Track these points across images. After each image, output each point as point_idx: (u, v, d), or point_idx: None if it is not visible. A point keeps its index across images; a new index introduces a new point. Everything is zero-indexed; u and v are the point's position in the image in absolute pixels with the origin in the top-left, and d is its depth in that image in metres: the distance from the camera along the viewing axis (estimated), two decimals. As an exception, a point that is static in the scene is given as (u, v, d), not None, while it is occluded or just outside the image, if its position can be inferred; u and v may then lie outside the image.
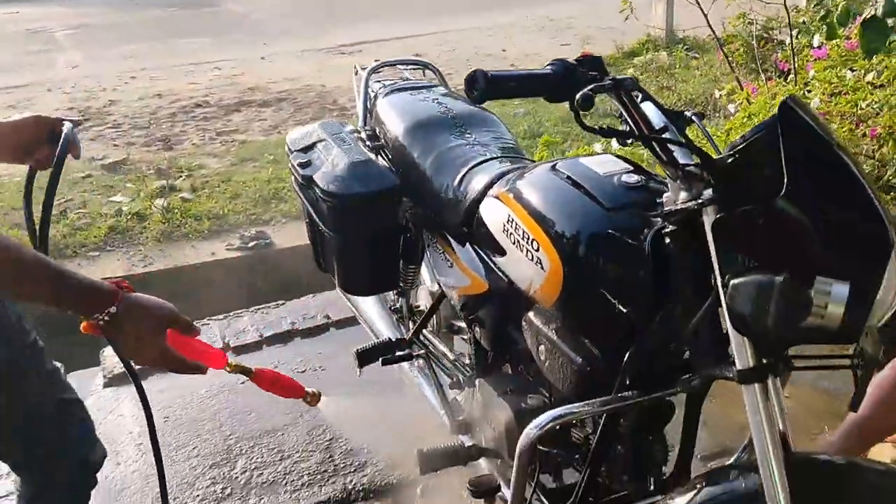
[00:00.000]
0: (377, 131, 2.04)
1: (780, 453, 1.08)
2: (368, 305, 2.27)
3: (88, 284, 1.12)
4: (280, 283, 3.57)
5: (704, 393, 1.32)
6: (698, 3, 4.04)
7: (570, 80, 1.07)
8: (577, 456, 1.50)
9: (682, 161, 1.12)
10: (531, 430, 1.29)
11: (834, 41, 3.63)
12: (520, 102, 6.25)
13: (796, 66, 3.68)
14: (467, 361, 1.86)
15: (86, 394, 2.60)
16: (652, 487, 1.48)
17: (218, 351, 1.29)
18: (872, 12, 2.89)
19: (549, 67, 1.09)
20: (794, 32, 3.98)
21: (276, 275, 3.69)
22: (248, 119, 6.66)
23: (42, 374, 1.50)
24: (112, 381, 2.72)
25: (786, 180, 0.99)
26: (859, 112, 3.30)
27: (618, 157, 1.41)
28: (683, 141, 1.10)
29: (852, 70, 3.52)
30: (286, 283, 3.52)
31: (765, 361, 1.06)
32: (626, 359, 1.28)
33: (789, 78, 3.80)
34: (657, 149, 1.10)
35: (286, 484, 2.15)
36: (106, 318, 1.09)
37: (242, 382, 2.25)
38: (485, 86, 1.05)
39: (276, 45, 9.59)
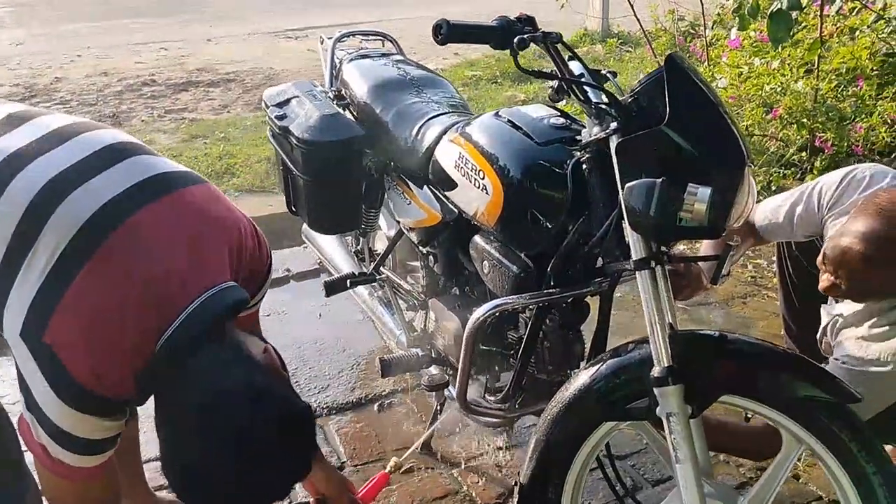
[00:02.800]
0: (343, 92, 2.32)
1: (667, 328, 1.42)
2: (332, 248, 2.56)
3: None
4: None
5: (612, 292, 1.66)
6: (629, 2, 4.41)
7: (511, 32, 1.39)
8: (511, 352, 1.82)
9: (593, 100, 1.45)
10: (475, 317, 1.61)
11: (746, 33, 4.05)
12: (463, 88, 6.59)
13: (711, 55, 4.08)
14: (421, 289, 2.17)
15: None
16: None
17: None
18: (778, 6, 3.27)
19: (495, 21, 1.41)
20: (712, 24, 4.40)
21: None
22: (197, 98, 6.77)
23: None
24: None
25: (668, 112, 1.33)
26: (763, 95, 3.71)
27: (548, 105, 1.74)
28: (596, 84, 1.43)
29: (761, 59, 3.94)
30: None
31: (653, 252, 1.40)
32: (551, 264, 1.62)
33: (705, 65, 4.21)
34: (576, 90, 1.43)
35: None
36: None
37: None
38: (447, 31, 1.36)
39: (222, 28, 9.70)
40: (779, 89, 3.65)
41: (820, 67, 3.84)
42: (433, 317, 2.04)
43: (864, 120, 3.68)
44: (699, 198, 1.28)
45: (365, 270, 2.33)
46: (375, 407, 2.41)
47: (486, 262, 1.76)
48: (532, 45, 1.38)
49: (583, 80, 1.44)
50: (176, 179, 1.33)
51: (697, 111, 1.36)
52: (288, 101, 2.18)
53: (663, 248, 1.43)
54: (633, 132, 1.37)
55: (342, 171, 2.11)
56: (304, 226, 2.53)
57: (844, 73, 3.92)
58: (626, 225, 1.41)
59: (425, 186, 2.00)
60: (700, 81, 1.39)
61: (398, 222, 2.18)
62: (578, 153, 1.55)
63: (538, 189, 1.61)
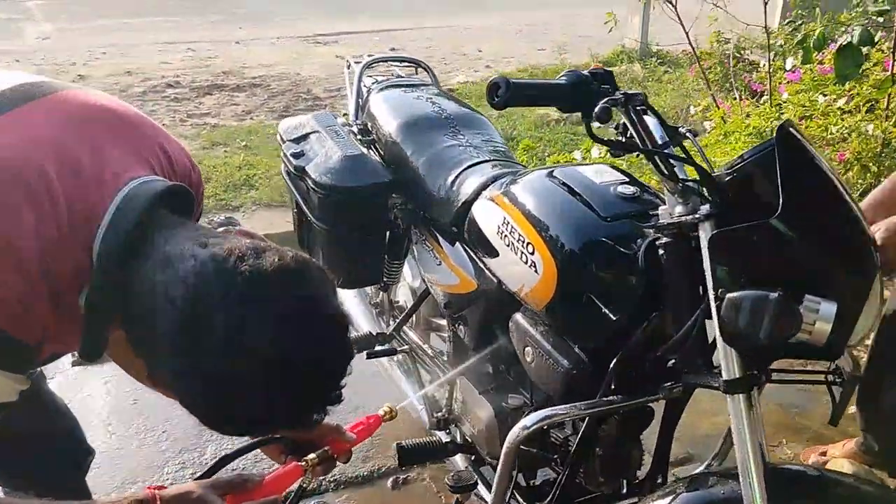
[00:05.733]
0: (369, 126, 2.05)
1: (761, 462, 1.13)
2: (349, 299, 2.28)
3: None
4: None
5: (685, 400, 1.37)
6: (679, 21, 4.12)
7: (583, 92, 1.11)
8: (555, 456, 1.53)
9: (679, 175, 1.16)
10: (518, 429, 1.32)
11: (807, 65, 3.73)
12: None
13: (770, 87, 3.77)
14: (447, 359, 1.89)
15: (53, 372, 2.57)
16: (625, 490, 1.53)
17: (288, 469, 1.25)
18: (848, 39, 2.96)
19: (563, 78, 1.12)
20: (775, 56, 4.08)
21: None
22: (221, 103, 6.56)
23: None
24: (79, 361, 2.69)
25: (782, 201, 1.04)
26: (828, 136, 3.39)
27: (612, 167, 1.45)
28: (685, 157, 1.14)
29: (824, 95, 3.62)
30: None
31: (750, 373, 1.11)
32: (612, 364, 1.32)
33: (763, 99, 3.89)
34: (659, 163, 1.14)
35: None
36: None
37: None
38: (507, 92, 1.08)
39: (251, 30, 9.51)
40: (846, 132, 3.33)
41: (889, 107, 3.51)
42: (460, 397, 1.75)
43: (939, 166, 3.34)
44: (822, 315, 0.99)
45: (383, 330, 2.05)
46: (389, 483, 2.13)
47: (529, 349, 1.47)
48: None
49: (668, 151, 1.15)
50: (52, 84, 1.09)
51: (818, 201, 1.07)
52: (306, 136, 1.91)
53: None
54: (732, 221, 1.08)
55: (363, 221, 1.84)
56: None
57: (917, 114, 3.59)
58: (711, 327, 1.12)
59: (457, 244, 1.72)
60: (819, 161, 1.10)
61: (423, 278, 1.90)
62: (653, 233, 1.26)
63: (601, 273, 1.32)
